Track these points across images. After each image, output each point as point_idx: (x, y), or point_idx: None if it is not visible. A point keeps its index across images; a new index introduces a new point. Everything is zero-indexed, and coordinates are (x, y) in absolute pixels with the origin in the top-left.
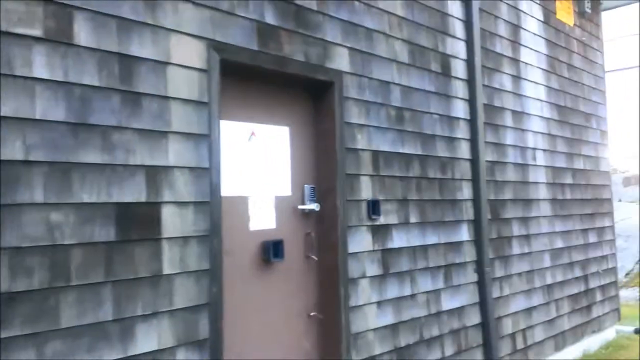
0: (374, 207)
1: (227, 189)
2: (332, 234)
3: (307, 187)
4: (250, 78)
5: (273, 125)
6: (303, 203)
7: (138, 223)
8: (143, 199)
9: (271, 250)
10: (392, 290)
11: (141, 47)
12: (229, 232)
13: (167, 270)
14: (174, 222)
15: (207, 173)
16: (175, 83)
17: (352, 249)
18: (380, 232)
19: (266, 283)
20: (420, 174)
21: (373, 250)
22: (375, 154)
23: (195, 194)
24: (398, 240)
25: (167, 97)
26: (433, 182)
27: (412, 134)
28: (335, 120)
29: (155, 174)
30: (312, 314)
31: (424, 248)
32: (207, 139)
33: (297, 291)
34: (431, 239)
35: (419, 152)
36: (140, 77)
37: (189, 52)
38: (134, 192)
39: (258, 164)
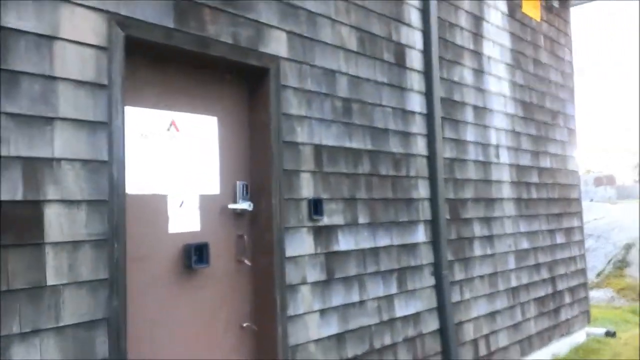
0: (315, 206)
1: (139, 186)
2: (266, 236)
3: (239, 185)
4: (167, 60)
5: (198, 115)
6: (235, 202)
7: (12, 226)
8: (19, 196)
9: (193, 255)
10: (338, 297)
11: (20, 19)
12: (142, 235)
13: (51, 280)
14: (60, 224)
15: (105, 167)
16: (64, 61)
17: (290, 252)
18: (323, 233)
19: (190, 292)
20: (371, 171)
21: (315, 254)
22: (318, 149)
23: (90, 192)
24: (344, 242)
25: (53, 78)
26: (385, 179)
27: (361, 128)
28: (270, 110)
29: (35, 168)
30: (245, 324)
31: (375, 251)
32: (105, 128)
33: (228, 300)
34: (383, 240)
35: (369, 148)
36: (18, 53)
37: (84, 27)
38: (7, 189)
39: (179, 158)
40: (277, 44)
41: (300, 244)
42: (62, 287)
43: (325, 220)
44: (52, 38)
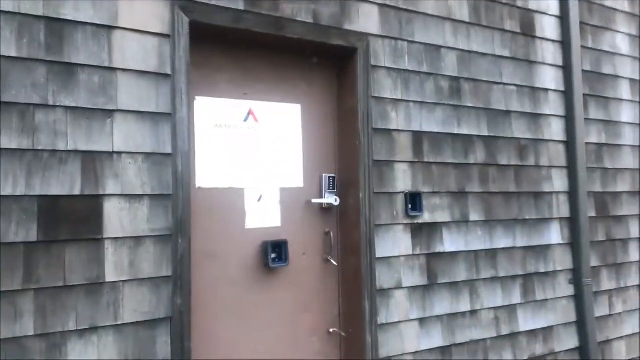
0: (413, 201)
1: (213, 180)
2: (354, 234)
3: (325, 177)
4: (240, 45)
5: (278, 103)
6: (321, 196)
7: (69, 220)
8: (77, 191)
9: (270, 253)
10: (442, 305)
11: (76, 10)
12: (215, 231)
13: (110, 277)
14: (121, 219)
15: (168, 160)
16: (123, 52)
17: (381, 252)
18: (424, 232)
19: (269, 293)
20: (486, 161)
21: (413, 255)
22: (418, 136)
23: (152, 186)
24: (451, 242)
25: (112, 69)
26: (506, 170)
27: (474, 111)
28: (357, 94)
29: (93, 162)
30: (331, 330)
31: (492, 253)
32: (169, 119)
33: (313, 303)
34: (503, 241)
35: (485, 134)
36: (75, 45)
37: (144, 14)
38: (63, 184)
39: (258, 149)
40: (366, 20)
41: (394, 243)
42: (122, 284)
43: (426, 217)
44: (110, 28)
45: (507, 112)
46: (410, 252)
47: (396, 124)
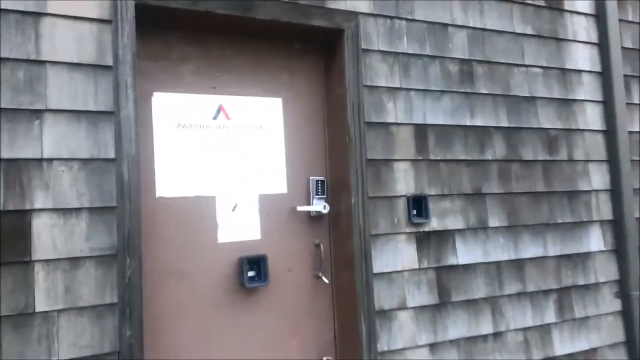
0: (417, 205)
1: (178, 188)
2: (347, 246)
3: (312, 181)
4: (205, 31)
5: (254, 97)
6: (308, 203)
7: None
8: None
9: (244, 271)
10: (457, 327)
11: None
12: (182, 246)
13: (42, 306)
14: (53, 237)
15: (111, 166)
16: (53, 41)
17: (380, 267)
18: (431, 242)
19: (249, 317)
20: (507, 156)
21: (419, 269)
22: (421, 130)
23: (91, 197)
24: (466, 253)
25: (40, 62)
26: (532, 166)
27: (490, 98)
28: (345, 83)
29: (19, 171)
30: (325, 358)
31: (517, 264)
32: (111, 119)
33: (302, 326)
34: (530, 250)
35: (504, 124)
36: None
37: None
38: None
39: (231, 151)
40: None
41: (395, 255)
42: (57, 314)
43: (434, 224)
44: (38, 14)
45: (531, 99)
46: (416, 266)
47: (394, 116)
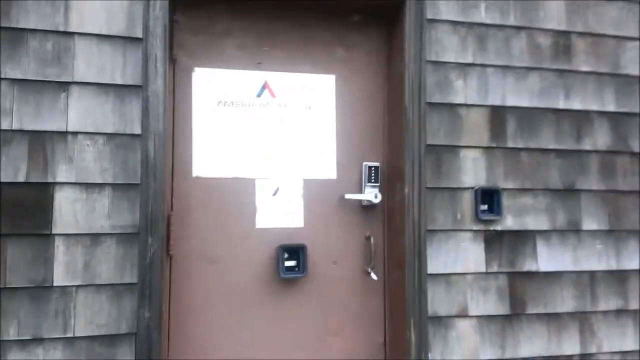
0: (489, 200)
1: (215, 168)
2: (399, 241)
3: (365, 167)
4: (252, 3)
5: (303, 74)
6: (360, 191)
7: (11, 211)
8: (21, 177)
9: (281, 260)
10: (533, 343)
11: None
12: (217, 230)
13: (60, 280)
14: (75, 211)
15: (137, 142)
16: (82, 12)
17: (436, 267)
18: (504, 242)
19: (287, 310)
20: (611, 147)
21: (487, 273)
22: (498, 113)
23: (115, 173)
24: (549, 258)
25: (68, 34)
26: None
27: (592, 78)
28: (404, 58)
29: (43, 143)
30: None
31: (619, 276)
32: (139, 93)
33: (346, 325)
34: (636, 260)
35: (610, 109)
36: (25, 7)
37: None
38: (6, 168)
39: (275, 131)
40: None
41: (457, 255)
42: (75, 290)
43: (509, 222)
44: None
45: None
46: (483, 269)
47: (463, 97)
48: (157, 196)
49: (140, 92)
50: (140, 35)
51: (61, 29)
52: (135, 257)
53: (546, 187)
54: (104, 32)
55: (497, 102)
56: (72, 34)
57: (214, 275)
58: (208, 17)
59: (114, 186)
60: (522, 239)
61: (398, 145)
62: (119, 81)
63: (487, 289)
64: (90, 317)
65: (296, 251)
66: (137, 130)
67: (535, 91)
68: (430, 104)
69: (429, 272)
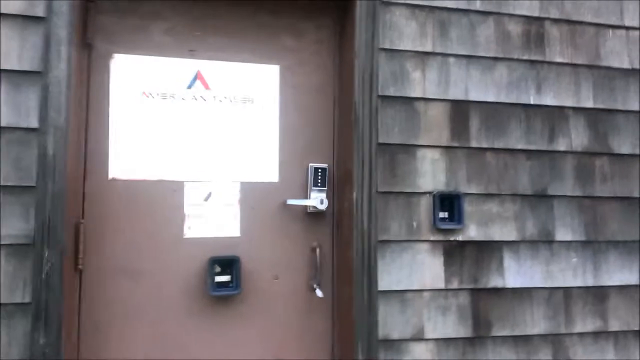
0: (448, 206)
1: (138, 169)
2: (347, 253)
3: (311, 169)
4: None
5: (244, 64)
6: (306, 195)
7: None
8: None
9: (210, 274)
10: None
11: None
12: (140, 240)
13: None
14: None
15: (33, 138)
16: None
17: (389, 283)
18: (467, 255)
19: (220, 332)
20: (589, 147)
21: (446, 290)
22: (460, 108)
23: (6, 173)
24: (518, 273)
25: None
26: (627, 162)
27: (568, 70)
28: (354, 45)
29: None
30: None
31: (597, 293)
32: (37, 80)
33: (289, 348)
34: (618, 275)
35: (587, 105)
36: None
37: None
38: None
39: (208, 128)
40: None
41: (412, 270)
42: None
43: (472, 232)
44: None
45: (632, 72)
46: (441, 285)
47: (421, 90)
48: (55, 200)
49: (39, 80)
50: (42, 14)
51: None
52: (28, 272)
53: (514, 192)
54: (2, 10)
55: (460, 96)
56: None
57: (134, 292)
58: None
59: (5, 189)
60: (487, 251)
61: (348, 145)
62: (15, 66)
63: (446, 307)
64: None
65: (229, 264)
66: (34, 123)
67: (502, 84)
68: (384, 98)
69: (380, 288)
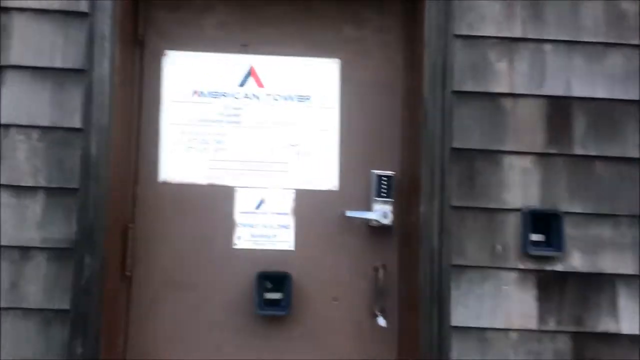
0: (544, 227)
1: (187, 172)
2: (412, 278)
3: (375, 176)
4: None
5: (300, 58)
6: (368, 206)
7: None
8: None
9: (258, 293)
10: None
11: None
12: (185, 248)
13: None
14: (4, 219)
15: (77, 139)
16: None
17: (464, 318)
18: (568, 289)
19: (268, 357)
20: None
21: (540, 332)
22: (560, 106)
23: (49, 175)
24: (636, 317)
25: (5, 9)
26: None
27: None
28: (424, 32)
29: None
30: None
31: None
32: (81, 79)
33: None
34: None
35: None
36: None
37: None
38: None
39: (261, 129)
40: None
41: (494, 303)
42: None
43: (576, 261)
44: None
45: None
46: (534, 326)
47: (508, 84)
48: (98, 203)
49: (83, 78)
50: (85, 9)
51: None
52: (67, 278)
53: (633, 214)
54: (45, 6)
55: (559, 92)
56: (9, 9)
57: (180, 305)
58: None
59: (48, 190)
60: (596, 285)
61: (416, 149)
62: (58, 64)
63: (539, 353)
64: (12, 346)
65: (280, 281)
66: (77, 123)
67: (616, 77)
68: (460, 94)
69: (453, 323)
